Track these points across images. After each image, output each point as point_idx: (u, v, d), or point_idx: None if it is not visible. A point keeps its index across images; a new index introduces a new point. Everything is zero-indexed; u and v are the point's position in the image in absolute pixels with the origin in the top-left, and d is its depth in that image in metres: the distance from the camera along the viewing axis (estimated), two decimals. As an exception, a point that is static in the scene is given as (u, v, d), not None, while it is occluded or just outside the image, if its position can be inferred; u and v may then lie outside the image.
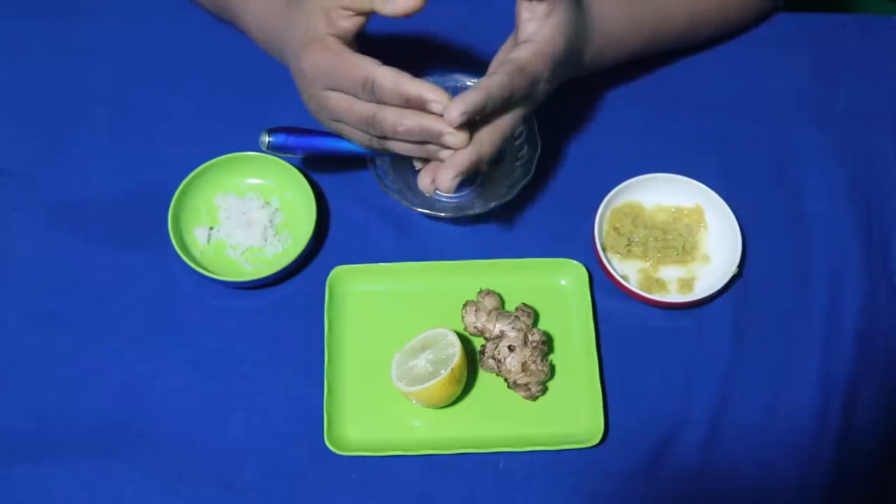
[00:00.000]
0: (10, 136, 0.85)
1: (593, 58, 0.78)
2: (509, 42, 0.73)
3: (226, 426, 0.73)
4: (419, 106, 0.65)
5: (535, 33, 0.69)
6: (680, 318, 0.78)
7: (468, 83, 0.84)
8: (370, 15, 0.67)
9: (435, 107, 0.65)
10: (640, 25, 0.81)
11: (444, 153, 0.68)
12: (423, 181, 0.69)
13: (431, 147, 0.68)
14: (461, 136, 0.66)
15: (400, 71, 0.65)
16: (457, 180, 0.67)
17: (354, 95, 0.67)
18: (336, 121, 0.70)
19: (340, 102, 0.68)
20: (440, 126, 0.66)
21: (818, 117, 0.87)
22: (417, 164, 0.72)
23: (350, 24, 0.67)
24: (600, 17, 0.76)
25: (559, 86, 0.78)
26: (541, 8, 0.68)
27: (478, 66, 0.87)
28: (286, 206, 0.82)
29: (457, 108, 0.64)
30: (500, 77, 0.66)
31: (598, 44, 0.77)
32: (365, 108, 0.67)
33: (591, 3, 0.75)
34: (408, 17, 0.64)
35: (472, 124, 0.67)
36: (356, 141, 0.72)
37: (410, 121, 0.66)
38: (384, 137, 0.69)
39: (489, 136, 0.68)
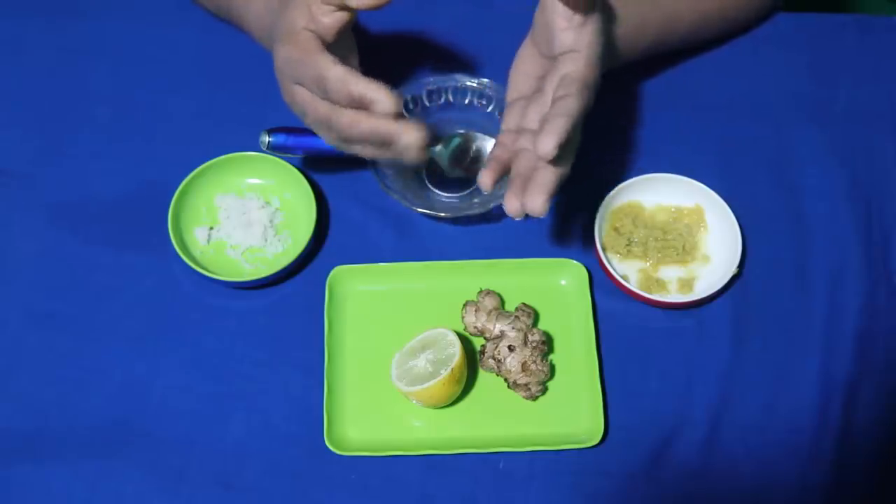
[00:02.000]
0: (10, 136, 0.85)
1: (609, 61, 0.78)
2: (528, 50, 0.72)
3: (226, 426, 0.73)
4: (365, 106, 0.64)
5: (577, 43, 0.68)
6: (680, 318, 0.78)
7: (468, 83, 0.84)
8: (354, 14, 0.67)
9: (379, 107, 0.63)
10: (648, 26, 0.81)
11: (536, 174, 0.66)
12: (512, 207, 0.66)
13: (394, 150, 0.66)
14: (413, 137, 0.64)
15: (351, 71, 0.64)
16: (549, 203, 0.65)
17: (314, 93, 0.66)
18: (304, 116, 0.69)
19: (305, 98, 0.67)
20: (393, 129, 0.64)
21: (818, 117, 0.87)
22: (486, 182, 0.68)
23: (330, 20, 0.66)
24: (612, 18, 0.76)
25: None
26: (577, 18, 0.68)
27: (478, 66, 0.87)
28: (286, 206, 0.82)
29: (551, 142, 0.63)
30: (576, 100, 0.65)
31: (614, 46, 0.77)
32: (323, 107, 0.66)
33: (609, 3, 0.76)
34: (377, 9, 0.64)
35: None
36: (323, 139, 0.70)
37: (365, 124, 0.64)
38: (346, 140, 0.68)
39: (569, 154, 0.67)
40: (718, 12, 0.86)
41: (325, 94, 0.65)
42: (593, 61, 0.68)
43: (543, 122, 0.64)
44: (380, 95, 0.63)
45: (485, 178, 0.68)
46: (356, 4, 0.65)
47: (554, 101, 0.66)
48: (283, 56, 0.67)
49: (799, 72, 0.90)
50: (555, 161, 0.65)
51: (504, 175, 0.69)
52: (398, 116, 0.64)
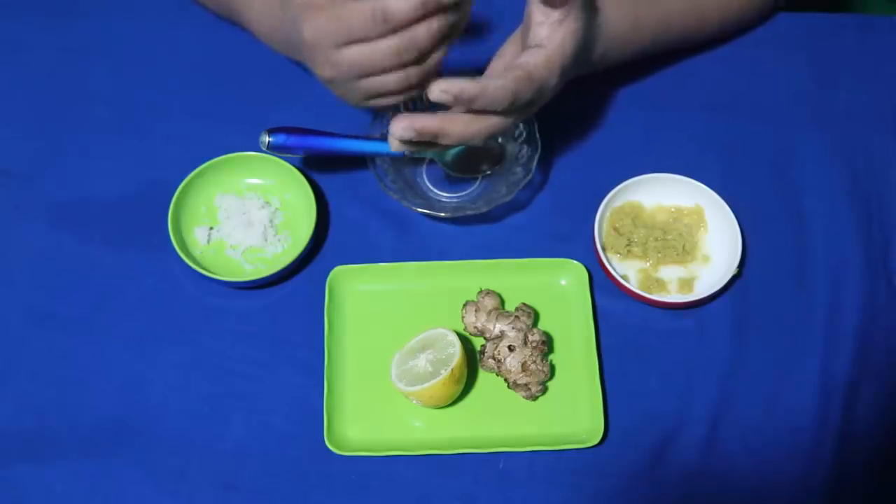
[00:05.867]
0: (10, 136, 0.85)
1: (598, 59, 0.78)
2: (514, 39, 0.72)
3: (226, 426, 0.73)
4: (434, 7, 0.61)
5: (547, 39, 0.68)
6: (680, 318, 0.78)
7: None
8: None
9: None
10: (644, 26, 0.81)
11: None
12: (396, 125, 0.65)
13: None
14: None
15: None
16: (408, 133, 0.64)
17: (366, 38, 0.63)
18: (362, 76, 0.66)
19: (363, 52, 0.63)
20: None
21: (818, 117, 0.87)
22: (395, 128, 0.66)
23: None
24: (605, 18, 0.76)
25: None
26: (555, 14, 0.67)
27: (478, 65, 0.87)
28: (286, 206, 0.82)
29: (440, 84, 0.63)
30: (505, 82, 0.65)
31: (604, 45, 0.77)
32: (390, 41, 0.63)
33: (597, 5, 0.75)
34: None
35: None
36: (389, 89, 0.66)
37: (440, 20, 0.62)
38: (419, 62, 0.64)
39: (472, 126, 0.66)
40: (716, 13, 0.86)
41: (387, 24, 0.62)
42: (555, 61, 0.68)
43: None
44: None
45: (398, 123, 0.65)
46: None
47: (487, 77, 0.65)
48: (311, 27, 0.64)
49: (799, 72, 0.90)
50: (447, 118, 0.65)
51: (422, 141, 0.67)
52: None
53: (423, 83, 0.66)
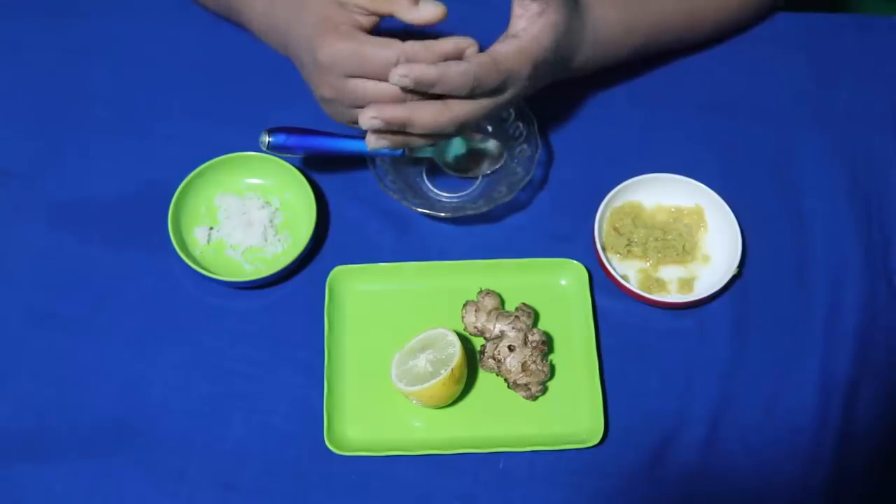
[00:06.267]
0: (10, 136, 0.85)
1: (588, 60, 0.78)
2: (506, 31, 0.72)
3: (226, 426, 0.73)
4: (455, 56, 0.65)
5: (523, 30, 0.68)
6: (680, 318, 0.78)
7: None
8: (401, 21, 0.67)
9: (472, 50, 0.66)
10: (637, 27, 0.81)
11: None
12: (364, 115, 0.66)
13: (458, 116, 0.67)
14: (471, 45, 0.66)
15: (420, 41, 0.65)
16: (375, 122, 0.65)
17: (378, 78, 0.65)
18: (357, 106, 0.68)
19: (366, 87, 0.66)
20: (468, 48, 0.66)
21: (818, 117, 0.87)
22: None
23: (366, 21, 0.67)
24: (595, 19, 0.76)
25: (558, 85, 0.78)
26: (533, 6, 0.68)
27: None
28: (286, 206, 0.82)
29: (401, 69, 0.63)
30: (468, 66, 0.65)
31: (594, 46, 0.77)
32: (392, 90, 0.66)
33: (587, 4, 0.75)
34: (430, 25, 0.64)
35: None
36: (372, 129, 0.68)
37: (453, 68, 0.64)
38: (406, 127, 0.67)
39: (442, 115, 0.66)
40: (712, 14, 0.86)
41: (419, 72, 0.64)
42: (528, 52, 0.68)
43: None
44: (466, 41, 0.65)
45: (365, 112, 0.66)
46: (411, 19, 0.65)
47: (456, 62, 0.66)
48: (328, 52, 0.66)
49: (799, 72, 0.90)
50: (413, 106, 0.66)
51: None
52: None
53: (405, 143, 0.69)
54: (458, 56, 0.65)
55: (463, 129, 0.69)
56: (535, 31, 0.68)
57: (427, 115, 0.66)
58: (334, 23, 0.66)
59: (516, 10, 0.69)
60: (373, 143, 0.68)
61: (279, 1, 0.74)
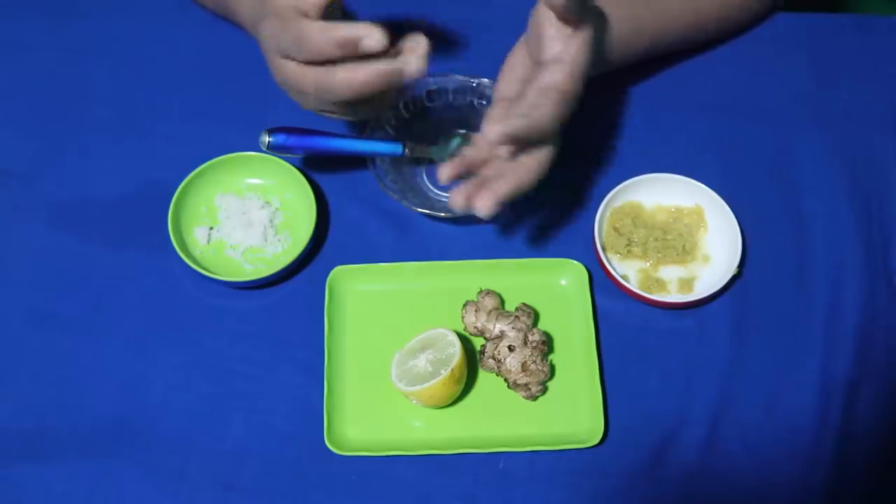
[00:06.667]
0: (10, 136, 0.85)
1: (604, 63, 0.77)
2: (519, 50, 0.72)
3: (226, 426, 0.73)
4: (353, 49, 0.62)
5: (563, 52, 0.67)
6: (680, 318, 0.78)
7: (468, 83, 0.83)
8: None
9: (367, 42, 0.61)
10: (644, 29, 0.81)
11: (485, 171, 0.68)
12: (457, 197, 0.66)
13: (397, 80, 0.65)
14: (421, 52, 0.64)
15: (330, 22, 0.63)
16: (496, 208, 0.66)
17: (293, 57, 0.65)
18: (290, 90, 0.68)
19: (292, 69, 0.66)
20: (395, 62, 0.64)
21: (818, 117, 0.87)
22: (442, 175, 0.69)
23: (310, 7, 0.66)
24: (609, 23, 0.76)
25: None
26: (567, 28, 0.67)
27: (478, 66, 0.87)
28: (286, 206, 0.82)
29: (498, 129, 0.63)
30: (550, 108, 0.65)
31: (606, 52, 0.77)
32: (312, 72, 0.65)
33: (601, 10, 0.75)
34: None
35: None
36: (315, 109, 0.69)
37: (362, 72, 0.63)
38: (344, 100, 0.66)
39: (535, 164, 0.68)
40: (716, 13, 0.86)
41: (311, 54, 0.64)
42: (577, 74, 0.68)
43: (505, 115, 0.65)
44: (366, 30, 0.62)
45: (443, 171, 0.68)
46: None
47: (528, 106, 0.66)
48: (266, 29, 0.66)
49: (799, 72, 0.90)
50: (516, 172, 0.66)
51: (470, 175, 0.69)
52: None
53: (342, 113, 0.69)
54: (349, 47, 0.62)
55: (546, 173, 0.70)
56: (575, 51, 0.67)
57: (531, 174, 0.68)
58: (276, 7, 0.66)
59: (549, 31, 0.67)
60: (481, 213, 0.67)
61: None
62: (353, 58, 0.64)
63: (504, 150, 0.68)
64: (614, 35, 0.77)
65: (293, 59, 0.66)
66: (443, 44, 0.89)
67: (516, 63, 0.72)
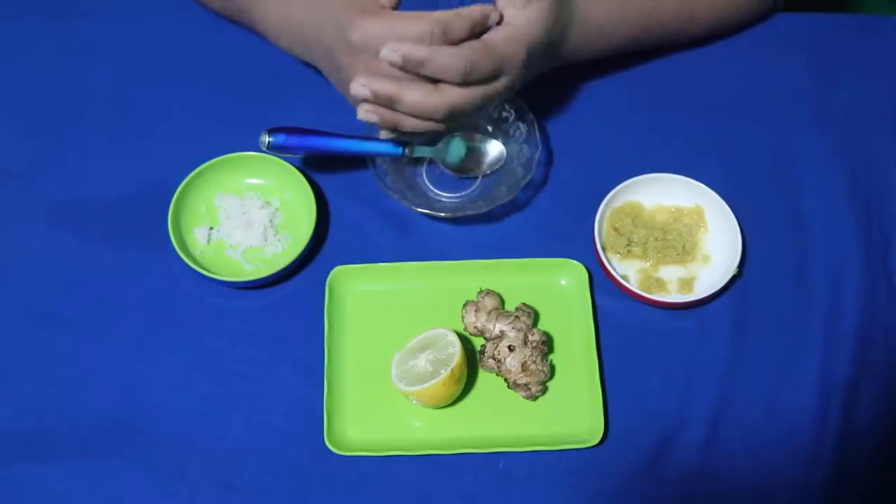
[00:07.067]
0: (10, 136, 0.85)
1: (577, 48, 0.77)
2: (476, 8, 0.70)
3: (226, 426, 0.73)
4: (483, 24, 0.67)
5: (514, 17, 0.68)
6: (680, 318, 0.78)
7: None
8: None
9: (494, 16, 0.67)
10: (628, 16, 0.80)
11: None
12: (360, 112, 0.68)
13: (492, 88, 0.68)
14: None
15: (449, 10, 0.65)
16: (363, 91, 0.66)
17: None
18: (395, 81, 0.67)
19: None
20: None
21: (818, 117, 0.87)
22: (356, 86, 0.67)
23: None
24: (586, 5, 0.76)
25: (557, 83, 0.78)
26: None
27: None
28: (286, 206, 0.82)
29: (390, 45, 0.63)
30: (460, 50, 0.65)
31: (584, 34, 0.76)
32: (446, 50, 0.65)
33: None
34: None
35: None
36: (359, 96, 0.68)
37: (445, 50, 0.65)
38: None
39: (431, 97, 0.66)
40: (705, 8, 0.85)
41: (444, 38, 0.65)
42: (520, 38, 0.68)
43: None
44: (489, 7, 0.67)
45: (356, 81, 0.66)
46: None
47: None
48: (362, 33, 0.65)
49: (799, 72, 0.90)
50: (403, 82, 0.66)
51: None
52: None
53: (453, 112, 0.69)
54: (484, 24, 0.67)
55: (454, 117, 0.69)
56: (526, 18, 0.68)
57: (416, 94, 0.66)
58: (360, 3, 0.66)
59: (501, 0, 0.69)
60: (361, 113, 0.68)
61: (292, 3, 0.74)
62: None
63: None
64: (594, 19, 0.76)
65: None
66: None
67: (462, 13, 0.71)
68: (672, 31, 0.85)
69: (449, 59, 0.65)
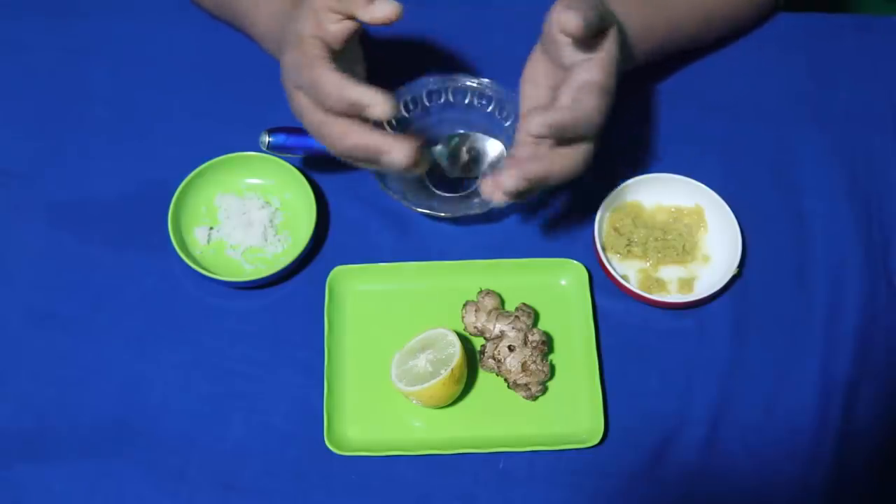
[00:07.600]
0: (10, 136, 0.86)
1: (626, 59, 0.77)
2: (537, 59, 0.70)
3: (226, 426, 0.73)
4: (361, 112, 0.63)
5: (591, 50, 0.67)
6: (680, 318, 0.78)
7: (468, 83, 0.83)
8: (360, 22, 0.66)
9: (374, 111, 0.62)
10: (654, 31, 0.80)
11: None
12: (486, 187, 0.65)
13: (382, 164, 0.65)
14: (404, 153, 0.63)
15: (348, 77, 0.63)
16: (521, 184, 0.64)
17: (311, 99, 0.66)
18: (300, 119, 0.69)
19: (303, 103, 0.67)
20: (381, 143, 0.64)
21: (818, 117, 0.87)
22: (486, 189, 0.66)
23: (337, 28, 0.66)
24: (621, 22, 0.76)
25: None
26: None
27: (478, 67, 0.87)
28: (286, 206, 0.82)
29: (537, 118, 0.62)
30: (591, 102, 0.64)
31: (627, 46, 0.76)
32: (317, 115, 0.66)
33: (614, 10, 0.75)
34: (386, 25, 0.63)
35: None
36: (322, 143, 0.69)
37: (352, 136, 0.64)
38: (337, 151, 0.67)
39: (573, 158, 0.66)
40: (721, 12, 0.86)
41: (320, 101, 0.64)
42: (609, 68, 0.67)
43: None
44: (375, 99, 0.62)
45: (486, 186, 0.66)
46: (367, 18, 0.63)
47: (569, 101, 0.65)
48: (288, 61, 0.67)
49: (799, 72, 0.90)
50: (549, 158, 0.65)
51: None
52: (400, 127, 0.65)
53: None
54: (357, 109, 0.63)
55: (582, 172, 0.68)
56: (606, 46, 0.67)
57: (560, 163, 0.66)
58: (305, 34, 0.66)
59: (564, 39, 0.67)
60: (501, 199, 0.66)
61: (277, 16, 0.74)
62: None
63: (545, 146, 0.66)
64: (630, 35, 0.77)
65: (304, 95, 0.66)
66: (443, 44, 0.89)
67: (537, 73, 0.71)
68: (691, 37, 0.86)
69: (589, 116, 0.64)
